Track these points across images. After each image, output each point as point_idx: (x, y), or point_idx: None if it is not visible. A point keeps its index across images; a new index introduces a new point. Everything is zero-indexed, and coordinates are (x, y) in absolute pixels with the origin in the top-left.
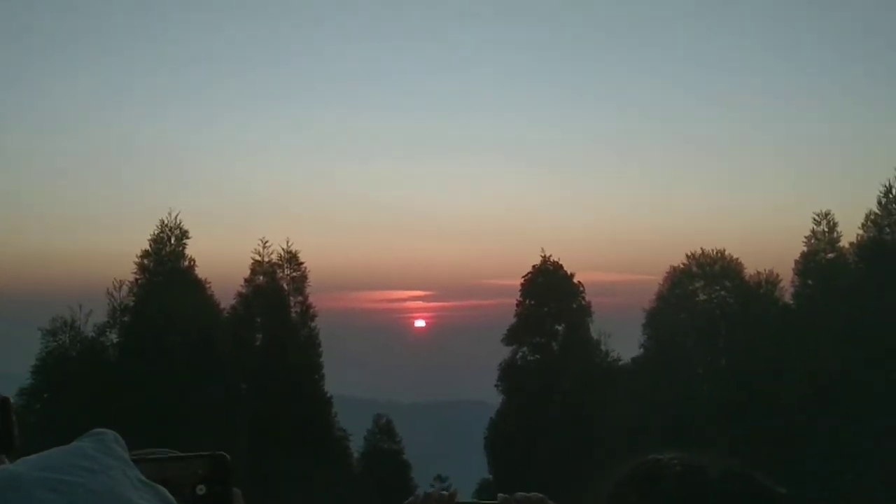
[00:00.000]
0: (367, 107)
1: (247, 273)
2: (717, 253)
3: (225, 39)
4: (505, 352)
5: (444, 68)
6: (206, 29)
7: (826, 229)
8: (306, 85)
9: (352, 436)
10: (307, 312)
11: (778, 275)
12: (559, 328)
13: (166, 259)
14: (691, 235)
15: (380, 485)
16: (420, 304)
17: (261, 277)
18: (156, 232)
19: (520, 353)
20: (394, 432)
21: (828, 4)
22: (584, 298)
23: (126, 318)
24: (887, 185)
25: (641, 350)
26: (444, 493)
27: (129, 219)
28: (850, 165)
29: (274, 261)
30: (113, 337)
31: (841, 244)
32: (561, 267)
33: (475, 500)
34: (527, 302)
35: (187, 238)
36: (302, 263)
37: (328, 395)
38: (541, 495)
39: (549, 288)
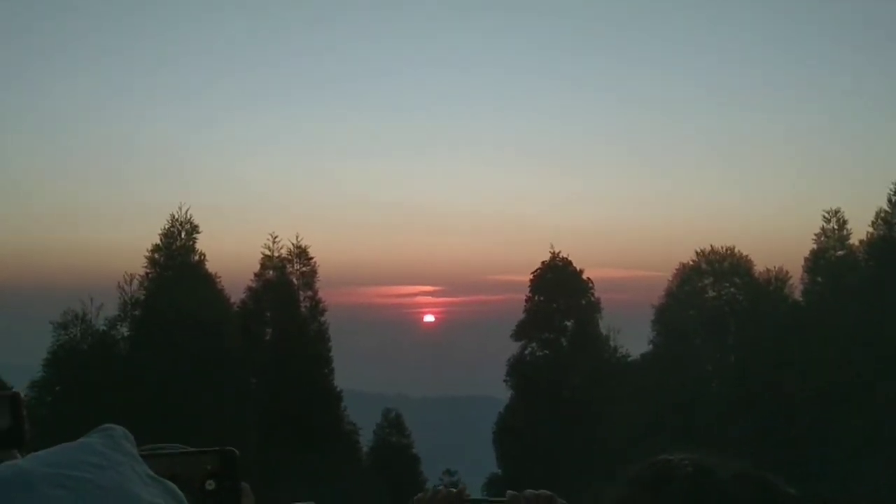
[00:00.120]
0: (376, 103)
1: (256, 268)
2: (726, 250)
3: (231, 37)
4: (514, 347)
5: (453, 64)
6: (210, 27)
7: (836, 227)
8: (317, 81)
9: (361, 430)
10: (317, 307)
11: (787, 272)
12: (568, 324)
13: (177, 253)
14: (701, 232)
15: (389, 478)
16: (429, 299)
17: (271, 272)
18: (166, 226)
19: (528, 349)
20: (403, 426)
21: (838, 1)
22: (593, 294)
23: (137, 312)
24: None
25: (650, 346)
26: (453, 490)
27: (140, 213)
28: (861, 163)
29: (284, 256)
30: (124, 330)
31: (851, 242)
32: (570, 263)
33: (484, 496)
34: (536, 298)
35: (197, 232)
36: (311, 258)
37: (338, 389)
38: (549, 493)
39: (559, 284)
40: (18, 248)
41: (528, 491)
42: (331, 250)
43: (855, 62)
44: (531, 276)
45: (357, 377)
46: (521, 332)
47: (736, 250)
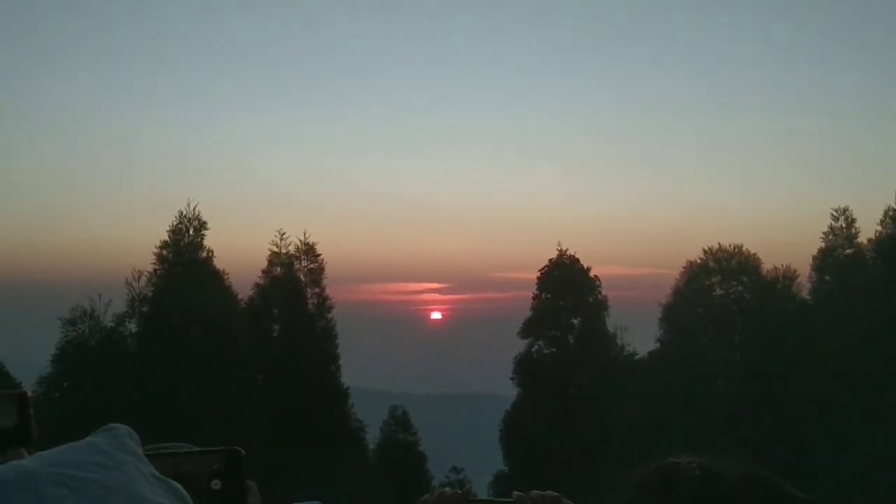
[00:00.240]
0: (384, 101)
1: (264, 264)
2: (734, 248)
3: (239, 36)
4: (520, 345)
5: (462, 62)
6: (220, 27)
7: (844, 225)
8: (325, 79)
9: (368, 427)
10: (324, 304)
11: (795, 270)
12: (575, 322)
13: (185, 250)
14: (708, 230)
15: (395, 476)
16: (436, 296)
17: (278, 269)
18: (174, 223)
19: (535, 347)
20: (409, 424)
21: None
22: (600, 292)
23: (145, 308)
24: None
25: (657, 344)
26: (458, 490)
27: (149, 210)
28: (869, 161)
29: (291, 252)
30: (132, 326)
31: (859, 240)
32: (577, 261)
33: (490, 497)
34: (543, 295)
35: (205, 229)
36: (319, 255)
37: (345, 386)
38: (556, 494)
39: (566, 281)
40: (28, 246)
41: (535, 492)
42: (338, 247)
43: (865, 61)
44: (538, 274)
45: (363, 374)
46: (528, 329)
47: (744, 248)
